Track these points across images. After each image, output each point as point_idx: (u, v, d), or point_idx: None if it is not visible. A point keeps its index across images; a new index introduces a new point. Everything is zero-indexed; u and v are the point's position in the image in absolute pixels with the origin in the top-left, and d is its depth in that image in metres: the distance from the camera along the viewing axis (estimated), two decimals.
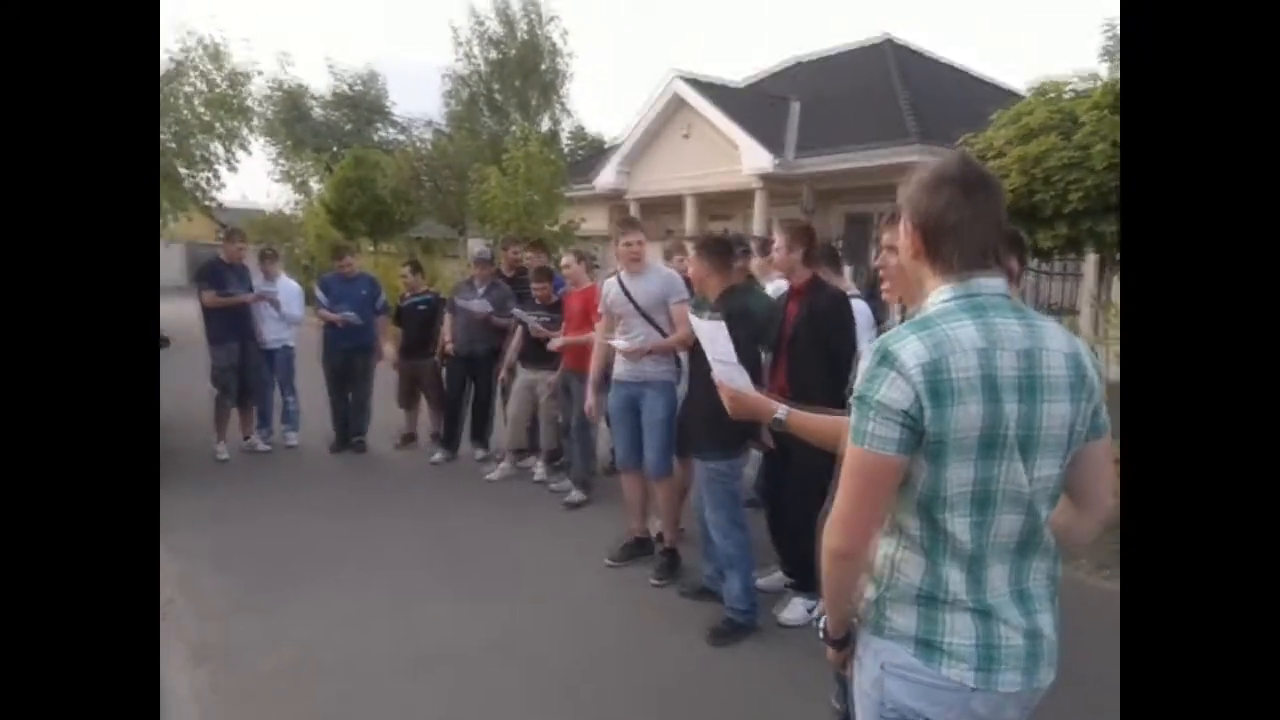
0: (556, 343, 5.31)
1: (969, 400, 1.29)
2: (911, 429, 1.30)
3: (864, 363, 1.37)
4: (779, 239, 3.75)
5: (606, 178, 18.21)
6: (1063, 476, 1.39)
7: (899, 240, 1.51)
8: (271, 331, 6.50)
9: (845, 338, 3.62)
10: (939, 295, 1.39)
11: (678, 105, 16.55)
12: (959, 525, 1.34)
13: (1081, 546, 1.44)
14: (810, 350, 3.55)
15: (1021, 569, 1.39)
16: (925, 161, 1.51)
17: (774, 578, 4.01)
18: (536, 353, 5.69)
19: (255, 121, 14.41)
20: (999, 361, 1.31)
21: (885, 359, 1.32)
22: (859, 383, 1.35)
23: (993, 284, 1.38)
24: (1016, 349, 1.33)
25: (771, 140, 14.71)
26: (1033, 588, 1.40)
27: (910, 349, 1.30)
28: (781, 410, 2.00)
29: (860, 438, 1.34)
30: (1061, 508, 1.45)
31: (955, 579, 1.36)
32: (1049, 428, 1.34)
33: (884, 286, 2.04)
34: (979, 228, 1.39)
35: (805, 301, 3.64)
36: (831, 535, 1.39)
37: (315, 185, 26.46)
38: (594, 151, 25.70)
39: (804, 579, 3.75)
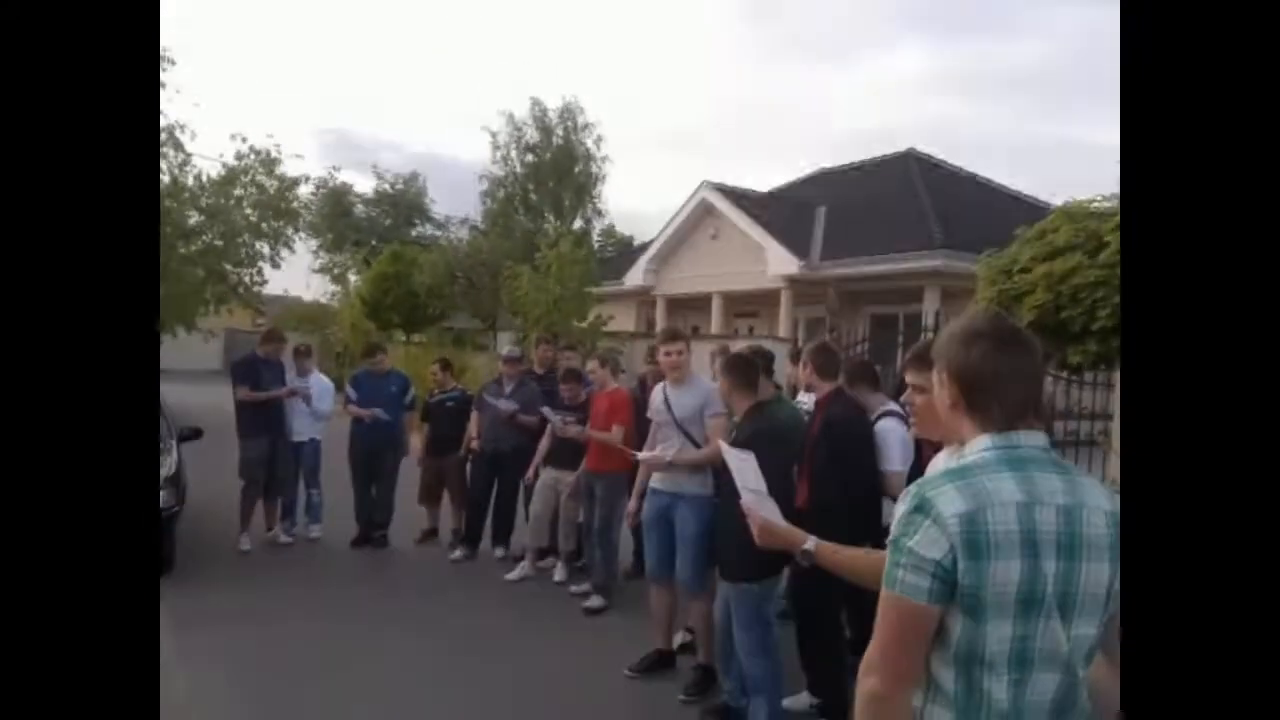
0: (576, 430, 5.36)
1: (1008, 555, 1.28)
2: (944, 580, 1.29)
3: (900, 506, 1.37)
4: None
5: (635, 276, 18.65)
6: (1101, 636, 1.36)
7: (934, 387, 1.53)
8: (301, 425, 6.60)
9: (858, 452, 3.61)
10: (978, 445, 1.40)
11: (706, 210, 17.08)
12: (997, 684, 1.31)
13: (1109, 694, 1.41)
14: (828, 465, 3.55)
15: None
16: (961, 316, 1.57)
17: (800, 698, 3.87)
18: (560, 453, 5.71)
19: (300, 221, 15.01)
20: (1039, 517, 1.30)
21: (921, 507, 1.32)
22: (894, 525, 1.35)
23: (1033, 438, 1.39)
24: (1057, 505, 1.32)
25: (797, 244, 15.05)
26: None
27: (947, 499, 1.30)
28: (811, 542, 1.97)
29: (893, 582, 1.33)
30: (1095, 665, 1.41)
31: None
32: (1088, 587, 1.32)
33: (913, 423, 2.05)
34: (1017, 383, 1.41)
35: (824, 416, 3.66)
36: (866, 678, 1.35)
37: (353, 278, 27.30)
38: (624, 250, 26.39)
39: (831, 699, 3.62)
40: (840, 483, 3.50)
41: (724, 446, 2.49)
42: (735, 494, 2.22)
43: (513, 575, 5.84)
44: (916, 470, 2.28)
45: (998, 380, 1.39)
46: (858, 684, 1.38)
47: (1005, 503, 1.30)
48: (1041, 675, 1.32)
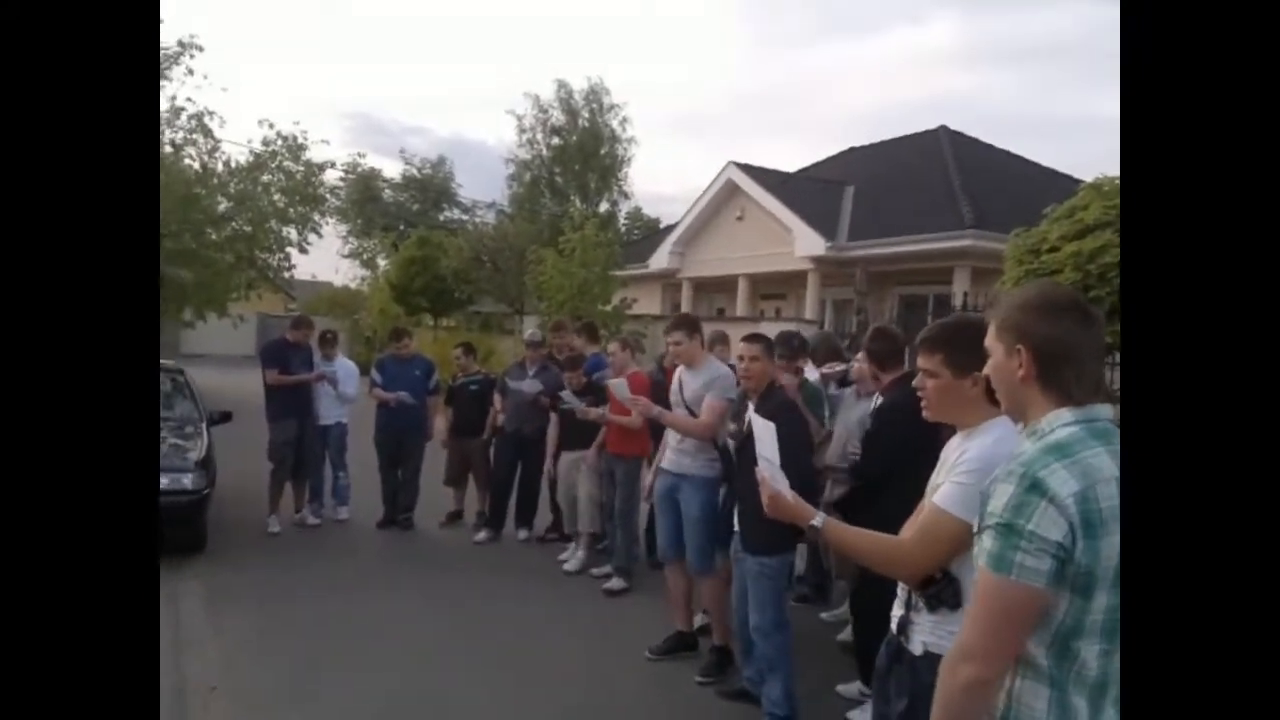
0: (596, 413, 5.35)
1: (1112, 531, 1.28)
2: (1063, 561, 1.28)
3: (1006, 487, 1.34)
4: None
5: (661, 259, 18.56)
6: None
7: (994, 356, 1.51)
8: (327, 409, 6.70)
9: (910, 439, 3.60)
10: (1057, 420, 1.39)
11: (732, 190, 16.91)
12: (1091, 654, 1.33)
13: None
14: (876, 448, 3.55)
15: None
16: (1029, 286, 1.60)
17: (852, 687, 3.87)
18: (572, 436, 5.77)
19: (327, 206, 15.15)
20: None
21: (1035, 487, 1.30)
22: (1001, 509, 1.32)
23: (1108, 412, 1.40)
24: None
25: (824, 224, 14.85)
26: None
27: (1060, 479, 1.29)
28: (818, 518, 1.98)
29: (1007, 567, 1.30)
30: None
31: (1082, 706, 1.34)
32: None
33: (924, 408, 2.01)
34: (1094, 358, 1.43)
35: (883, 401, 3.76)
36: (965, 664, 1.34)
37: (382, 262, 27.57)
38: (650, 232, 26.30)
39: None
40: (888, 468, 3.47)
41: (751, 414, 2.50)
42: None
43: (571, 565, 5.73)
44: (929, 454, 2.23)
45: (1081, 354, 1.40)
46: (949, 673, 1.37)
47: (1107, 479, 1.30)
48: None
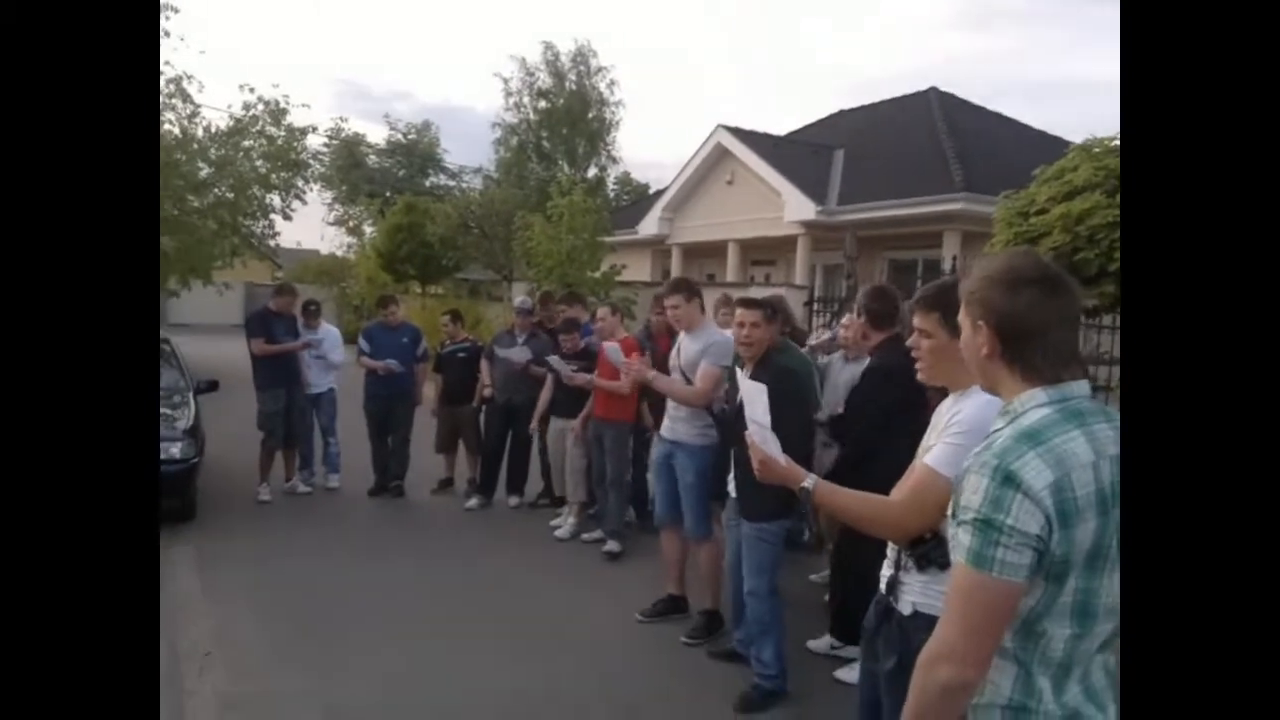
0: (584, 379, 5.35)
1: (1088, 517, 1.26)
2: (1040, 553, 1.26)
3: (976, 479, 1.29)
4: None
5: (650, 225, 18.42)
6: None
7: (964, 331, 1.47)
8: (317, 377, 6.67)
9: (899, 402, 3.60)
10: (1030, 400, 1.35)
11: (721, 154, 16.73)
12: (1057, 636, 1.32)
13: None
14: (864, 413, 3.56)
15: (1091, 666, 1.37)
16: (997, 256, 1.50)
17: (823, 641, 3.95)
18: (563, 402, 5.77)
19: (310, 171, 14.90)
20: (1104, 473, 1.28)
21: (1009, 480, 1.26)
22: (977, 503, 1.28)
23: (1081, 388, 1.36)
24: (1110, 455, 1.30)
25: (815, 189, 14.74)
26: (1095, 682, 1.37)
27: (1033, 469, 1.26)
28: (810, 480, 1.99)
29: (987, 563, 1.26)
30: None
31: (1045, 686, 1.33)
32: None
33: (918, 368, 2.00)
34: (1064, 330, 1.37)
35: (871, 363, 3.73)
36: (946, 668, 1.30)
37: (368, 229, 27.26)
38: (639, 198, 26.06)
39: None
40: (879, 429, 3.48)
41: (740, 376, 2.48)
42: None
43: (562, 533, 5.74)
44: (919, 415, 2.23)
45: (1046, 329, 1.35)
46: (926, 671, 1.33)
47: (1083, 464, 1.27)
48: (1101, 626, 1.33)
